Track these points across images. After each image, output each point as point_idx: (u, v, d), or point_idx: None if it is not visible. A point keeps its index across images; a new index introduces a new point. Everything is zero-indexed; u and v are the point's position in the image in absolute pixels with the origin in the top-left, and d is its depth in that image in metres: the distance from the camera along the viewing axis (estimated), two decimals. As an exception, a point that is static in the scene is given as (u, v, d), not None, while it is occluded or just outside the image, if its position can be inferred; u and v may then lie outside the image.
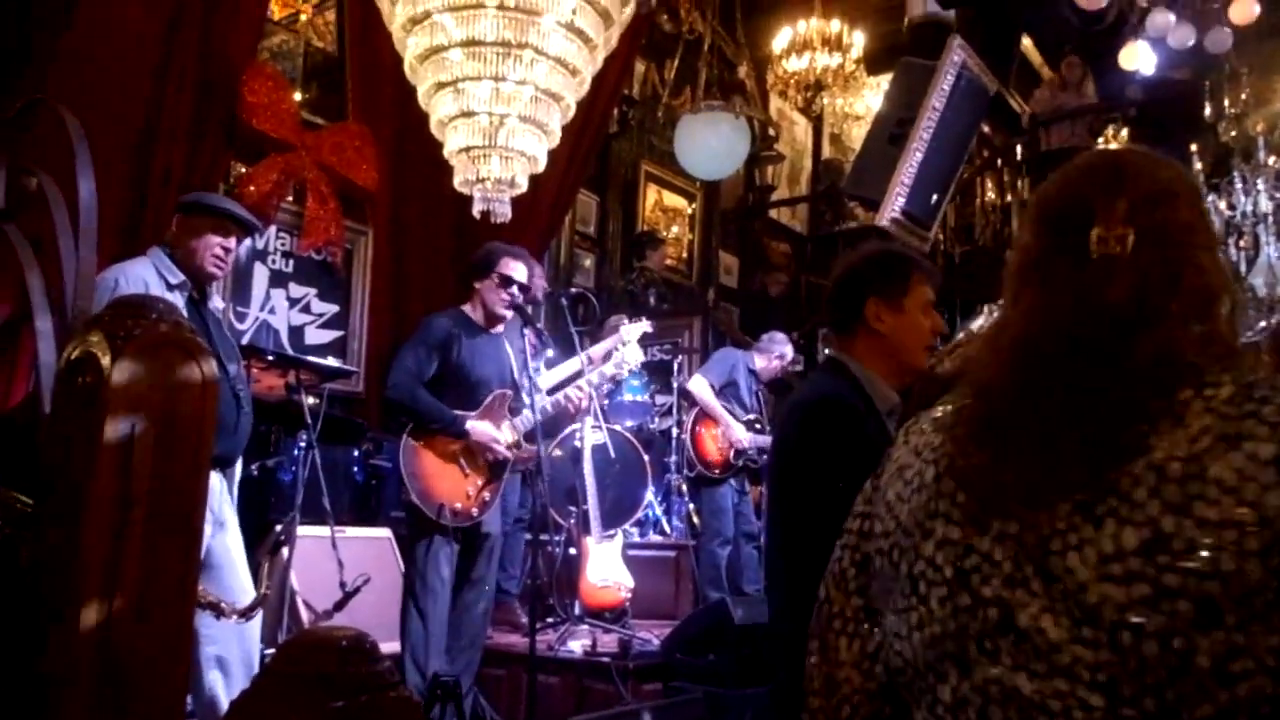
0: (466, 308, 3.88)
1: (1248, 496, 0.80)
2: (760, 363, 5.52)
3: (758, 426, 5.39)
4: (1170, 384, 0.88)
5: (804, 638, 1.15)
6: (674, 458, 5.72)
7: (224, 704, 2.75)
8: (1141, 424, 0.86)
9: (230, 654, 2.84)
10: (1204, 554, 0.79)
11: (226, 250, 3.01)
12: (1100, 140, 7.31)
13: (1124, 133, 7.25)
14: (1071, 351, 0.94)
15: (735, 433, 5.28)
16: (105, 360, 1.26)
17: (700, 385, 5.38)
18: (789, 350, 5.59)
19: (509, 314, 3.81)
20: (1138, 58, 5.63)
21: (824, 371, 2.07)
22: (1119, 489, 0.84)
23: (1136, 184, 0.98)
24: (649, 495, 5.25)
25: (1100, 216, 0.97)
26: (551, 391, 4.20)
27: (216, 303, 3.19)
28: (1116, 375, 0.90)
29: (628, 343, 4.57)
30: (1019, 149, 6.94)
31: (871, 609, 1.06)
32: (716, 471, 5.32)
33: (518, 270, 3.80)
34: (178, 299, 2.89)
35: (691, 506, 5.66)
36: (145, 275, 2.85)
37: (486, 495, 3.69)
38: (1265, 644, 0.77)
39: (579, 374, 4.32)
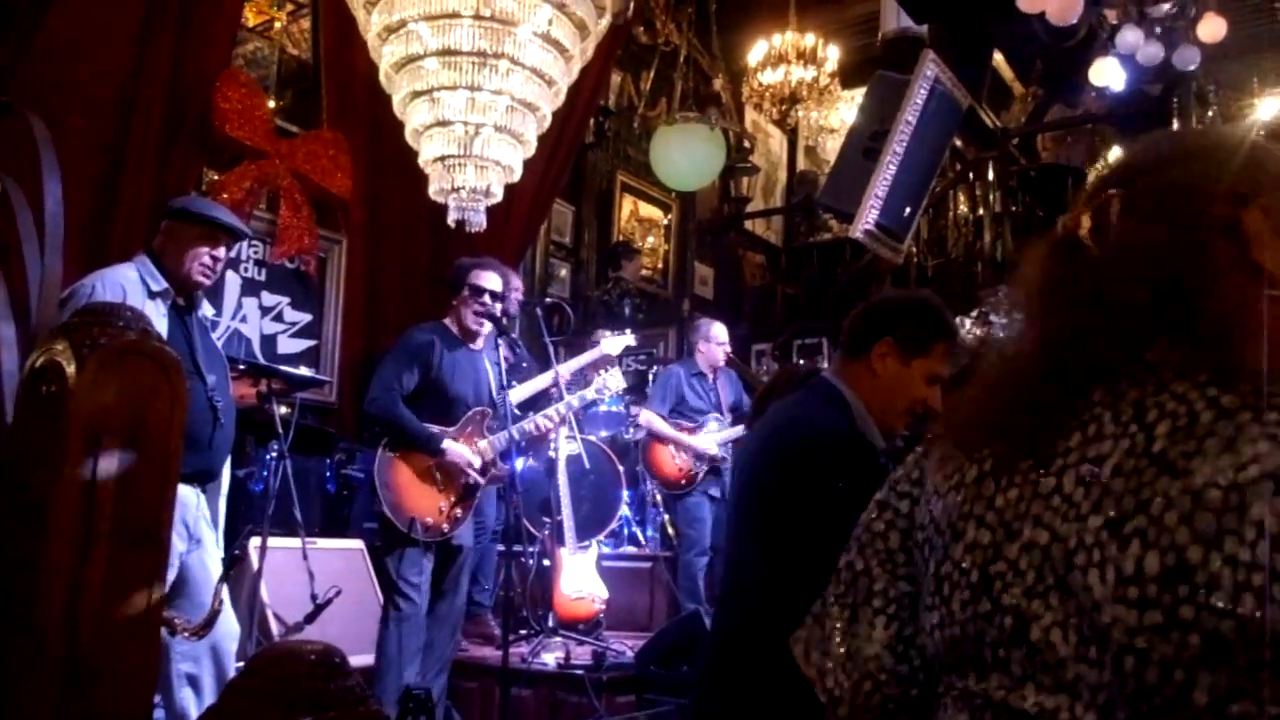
0: (447, 321, 3.86)
1: None
2: (702, 363, 5.33)
3: (715, 421, 5.23)
4: (1207, 383, 0.83)
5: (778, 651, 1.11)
6: (648, 468, 5.70)
7: (194, 721, 2.72)
8: (1187, 442, 0.81)
9: (202, 671, 2.79)
10: (1225, 592, 0.75)
11: (215, 259, 2.95)
12: (1099, 162, 7.40)
13: (1114, 151, 7.34)
14: (1075, 334, 0.90)
15: (698, 444, 5.11)
16: (70, 369, 1.24)
17: (648, 417, 5.24)
18: (711, 330, 5.34)
19: (484, 324, 3.78)
20: (1107, 74, 5.70)
21: (819, 396, 1.95)
22: (1150, 510, 0.80)
23: (1146, 150, 0.95)
24: (623, 506, 5.23)
25: (1090, 194, 0.93)
26: (524, 406, 4.18)
27: (205, 310, 3.13)
28: (1135, 361, 0.86)
29: (608, 358, 4.55)
30: (992, 164, 7.00)
31: (916, 596, 1.04)
32: (683, 484, 5.22)
33: (488, 279, 3.78)
34: (160, 306, 2.84)
35: (667, 518, 5.64)
36: (125, 282, 2.79)
37: (458, 512, 3.66)
38: (1273, 692, 0.74)
39: (554, 386, 4.31)
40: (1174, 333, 0.87)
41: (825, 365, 4.29)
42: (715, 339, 5.29)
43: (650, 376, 5.96)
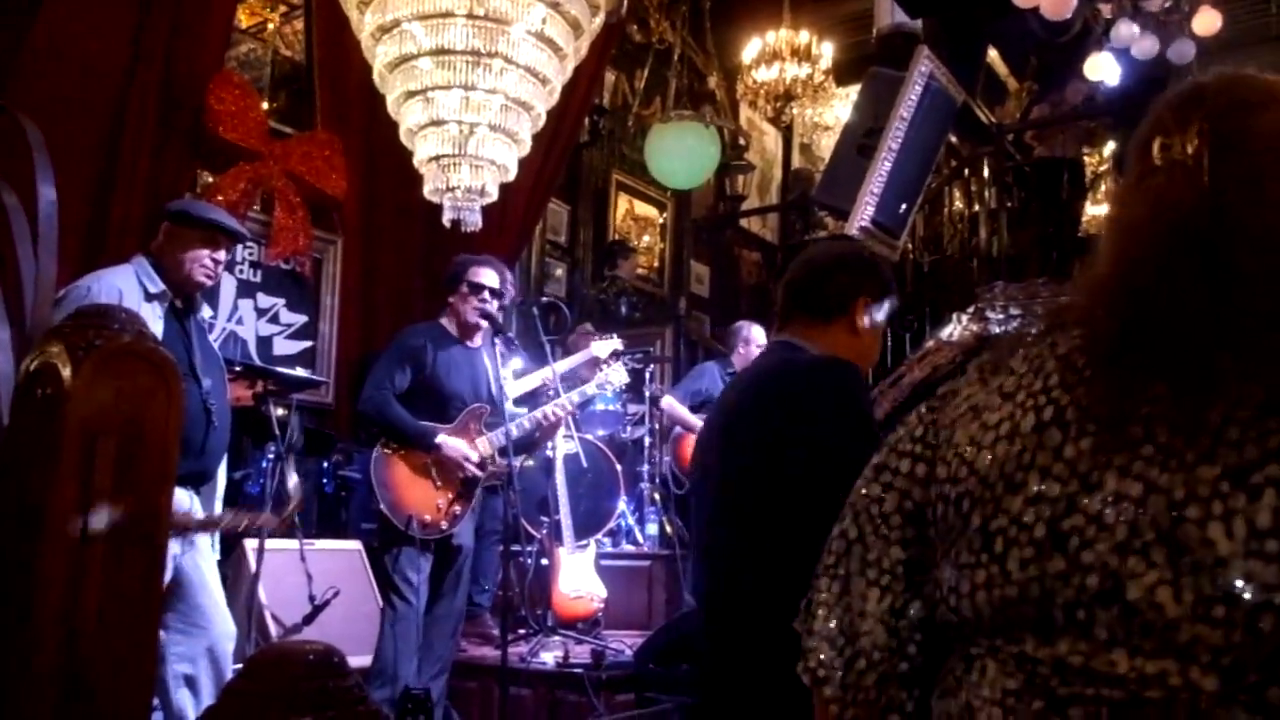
0: (443, 320, 3.86)
1: None
2: (739, 363, 5.47)
3: None
4: None
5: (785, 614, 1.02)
6: (646, 466, 5.71)
7: (193, 723, 2.71)
8: None
9: (199, 672, 2.79)
10: None
11: (216, 262, 2.96)
12: (1086, 153, 7.41)
13: (1110, 145, 7.34)
14: (1164, 274, 0.83)
15: None
16: (65, 371, 1.23)
17: (669, 402, 5.41)
18: (750, 332, 5.48)
19: (483, 322, 3.79)
20: (1102, 68, 5.70)
21: (788, 349, 1.92)
22: None
23: (1216, 98, 0.89)
24: (621, 505, 5.23)
25: (1165, 128, 0.89)
26: (518, 402, 4.17)
27: (204, 312, 3.13)
28: (1224, 306, 0.80)
29: (600, 359, 4.56)
30: (987, 159, 7.00)
31: (913, 563, 0.97)
32: None
33: (487, 276, 3.78)
34: (157, 308, 2.84)
35: (665, 517, 5.65)
36: (122, 284, 2.78)
37: (457, 509, 3.66)
38: None
39: (548, 386, 4.31)
40: None
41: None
42: (754, 341, 5.42)
43: (647, 375, 5.97)
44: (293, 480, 3.00)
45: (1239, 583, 0.74)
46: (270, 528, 2.73)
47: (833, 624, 0.99)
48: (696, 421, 5.23)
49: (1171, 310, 0.83)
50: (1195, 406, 0.80)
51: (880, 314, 1.94)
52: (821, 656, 0.98)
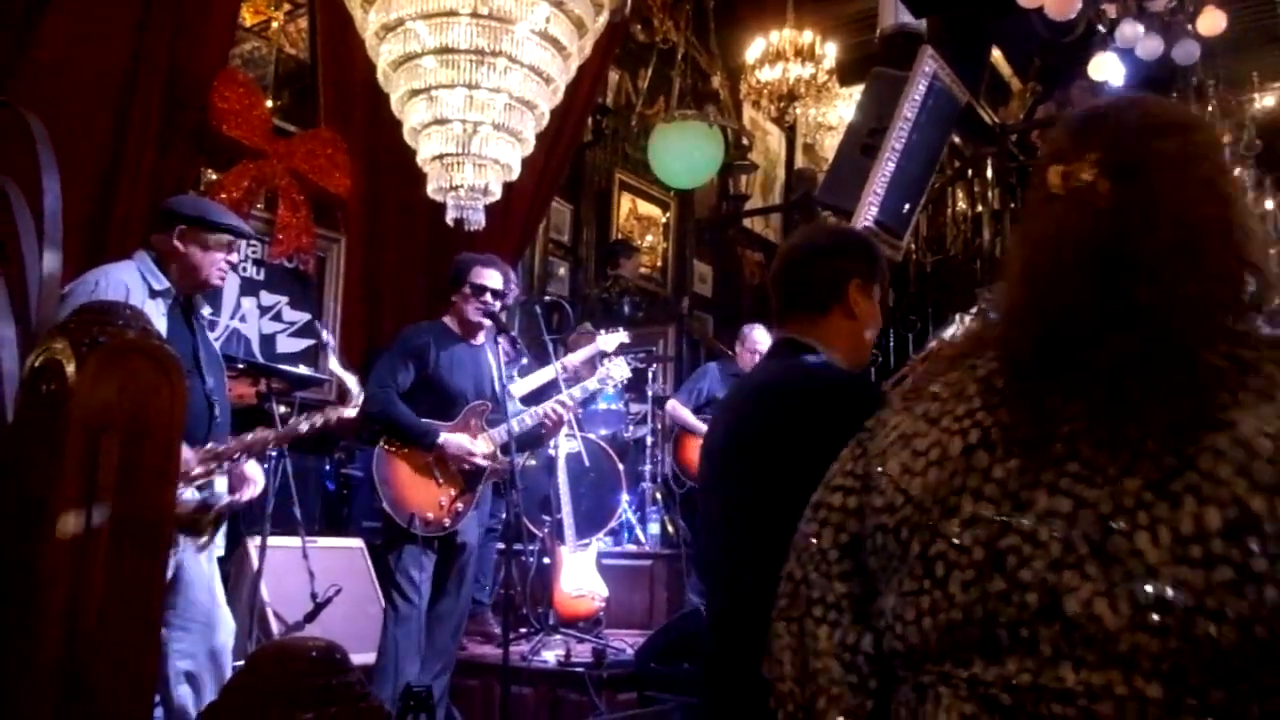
0: (446, 319, 3.86)
1: None
2: (740, 364, 5.47)
3: None
4: (1203, 341, 0.81)
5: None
6: (648, 466, 5.71)
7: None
8: (1220, 392, 0.78)
9: (201, 669, 2.79)
10: None
11: (230, 264, 3.01)
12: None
13: None
14: (1074, 303, 0.86)
15: None
16: (70, 368, 1.23)
17: (673, 405, 5.43)
18: (750, 335, 5.47)
19: (485, 322, 3.79)
20: (1106, 69, 5.69)
21: (797, 351, 1.87)
22: (1199, 465, 0.77)
23: (1116, 122, 0.91)
24: (623, 504, 5.23)
25: (1064, 154, 0.91)
26: (525, 400, 4.18)
27: (205, 310, 3.15)
28: (1136, 332, 0.83)
29: (605, 353, 4.56)
30: (990, 160, 7.00)
31: (858, 596, 0.98)
32: None
33: (490, 278, 3.78)
34: (160, 305, 2.84)
35: (667, 517, 5.65)
36: (127, 280, 2.78)
37: (460, 506, 3.66)
38: None
39: (554, 383, 4.31)
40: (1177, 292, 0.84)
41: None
42: (750, 344, 5.41)
43: (649, 374, 5.97)
44: (351, 380, 3.14)
45: (1170, 590, 0.75)
46: (342, 418, 2.93)
47: (793, 666, 1.00)
48: (699, 424, 5.22)
49: (1077, 336, 0.85)
50: (1111, 425, 0.81)
51: (873, 289, 1.88)
52: (793, 697, 0.99)
